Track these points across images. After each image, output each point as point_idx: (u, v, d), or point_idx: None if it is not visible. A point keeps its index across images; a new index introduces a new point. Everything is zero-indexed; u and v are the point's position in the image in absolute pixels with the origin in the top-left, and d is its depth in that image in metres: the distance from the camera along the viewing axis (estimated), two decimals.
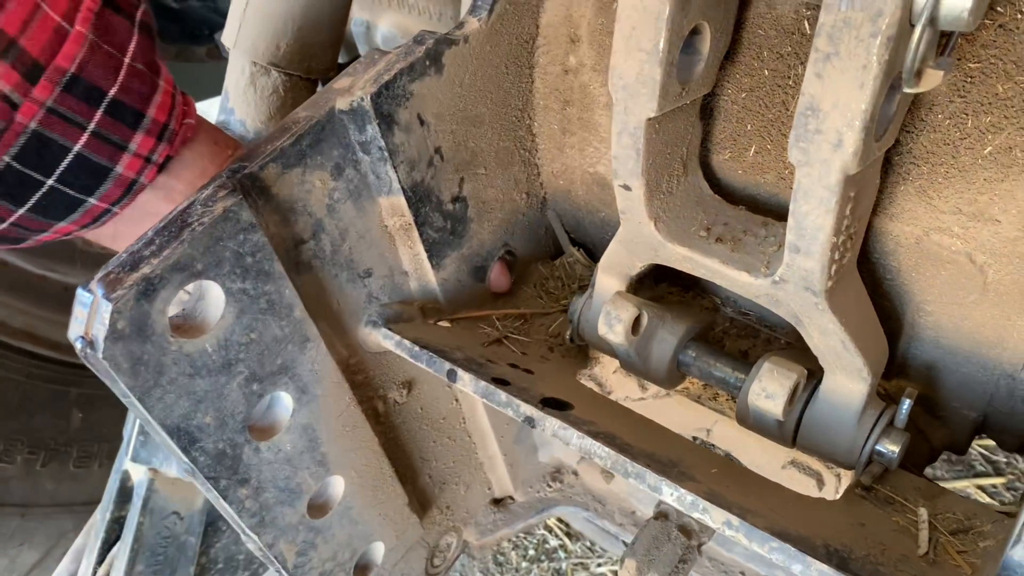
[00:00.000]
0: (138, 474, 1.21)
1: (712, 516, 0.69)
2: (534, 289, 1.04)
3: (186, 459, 0.73)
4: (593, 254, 1.06)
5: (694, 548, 0.92)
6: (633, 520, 1.22)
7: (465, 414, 1.10)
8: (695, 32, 0.69)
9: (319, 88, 1.08)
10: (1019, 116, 0.65)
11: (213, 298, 0.70)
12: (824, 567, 0.65)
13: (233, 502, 0.79)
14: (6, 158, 0.63)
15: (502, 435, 1.15)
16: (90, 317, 0.63)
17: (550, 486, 1.27)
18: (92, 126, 0.66)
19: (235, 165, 0.70)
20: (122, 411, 1.88)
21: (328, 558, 0.94)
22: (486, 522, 1.25)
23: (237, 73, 1.02)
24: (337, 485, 0.92)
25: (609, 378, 0.97)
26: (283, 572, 0.89)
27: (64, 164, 0.66)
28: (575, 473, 1.27)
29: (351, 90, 0.75)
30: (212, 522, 1.33)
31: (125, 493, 1.25)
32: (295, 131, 0.73)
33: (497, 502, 1.28)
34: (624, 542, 1.41)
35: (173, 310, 0.67)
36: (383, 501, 1.00)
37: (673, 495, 0.71)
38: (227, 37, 1.02)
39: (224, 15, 1.84)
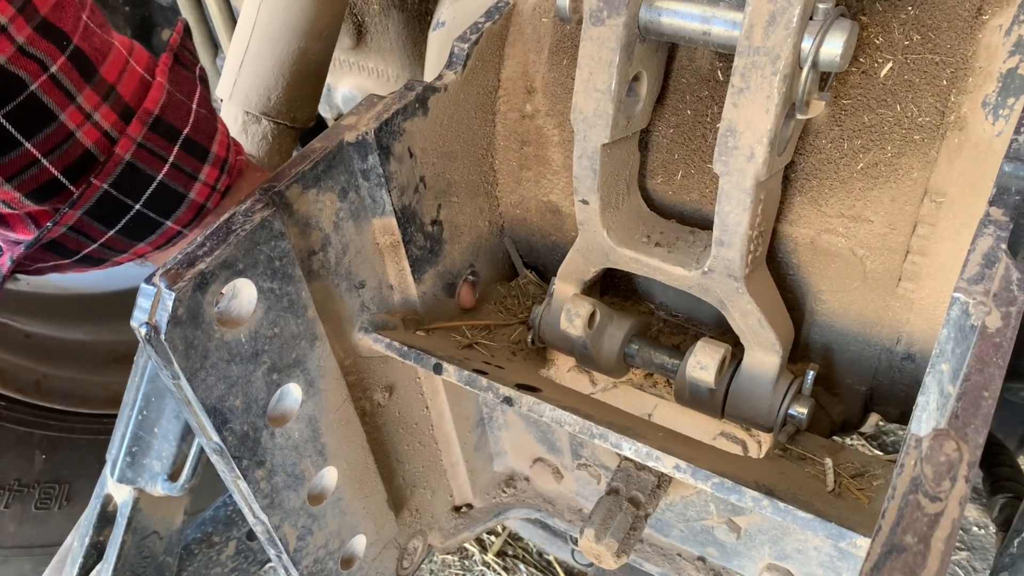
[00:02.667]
0: (122, 495, 1.29)
1: (664, 462, 0.85)
2: (494, 306, 1.20)
3: (217, 437, 0.85)
4: (543, 276, 1.23)
5: (642, 517, 1.07)
6: (580, 516, 1.36)
7: (434, 421, 1.24)
8: (636, 79, 0.88)
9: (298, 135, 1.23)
10: (881, 139, 0.86)
11: (247, 295, 0.84)
12: (756, 494, 0.82)
13: (251, 482, 0.91)
14: (105, 185, 0.77)
15: (464, 442, 1.28)
16: (154, 306, 0.76)
17: (504, 492, 1.41)
18: (172, 159, 0.80)
19: (266, 184, 0.85)
20: (83, 453, 1.92)
21: (321, 545, 1.06)
22: (448, 527, 1.38)
23: (230, 121, 1.16)
24: (331, 476, 1.04)
25: (564, 376, 1.13)
26: (285, 554, 1.00)
27: (150, 191, 0.80)
28: (527, 479, 1.41)
29: (357, 126, 0.91)
30: (187, 545, 1.41)
31: (106, 517, 1.32)
32: (313, 158, 0.88)
33: (457, 509, 1.40)
34: (573, 538, 1.55)
35: (218, 303, 0.80)
36: (367, 496, 1.12)
37: (631, 449, 0.87)
38: (221, 90, 1.16)
39: None
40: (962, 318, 0.66)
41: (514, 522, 1.50)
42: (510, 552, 2.51)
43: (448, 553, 2.41)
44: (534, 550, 2.49)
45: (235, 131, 1.15)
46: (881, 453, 2.51)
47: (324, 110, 1.58)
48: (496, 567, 2.46)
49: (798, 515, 0.79)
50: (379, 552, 1.21)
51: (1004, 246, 0.69)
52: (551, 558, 2.43)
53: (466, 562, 2.48)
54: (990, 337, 0.63)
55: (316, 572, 1.06)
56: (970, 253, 0.69)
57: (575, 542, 1.61)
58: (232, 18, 1.61)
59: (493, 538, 2.53)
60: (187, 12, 1.67)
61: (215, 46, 1.73)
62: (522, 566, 2.44)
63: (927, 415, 0.73)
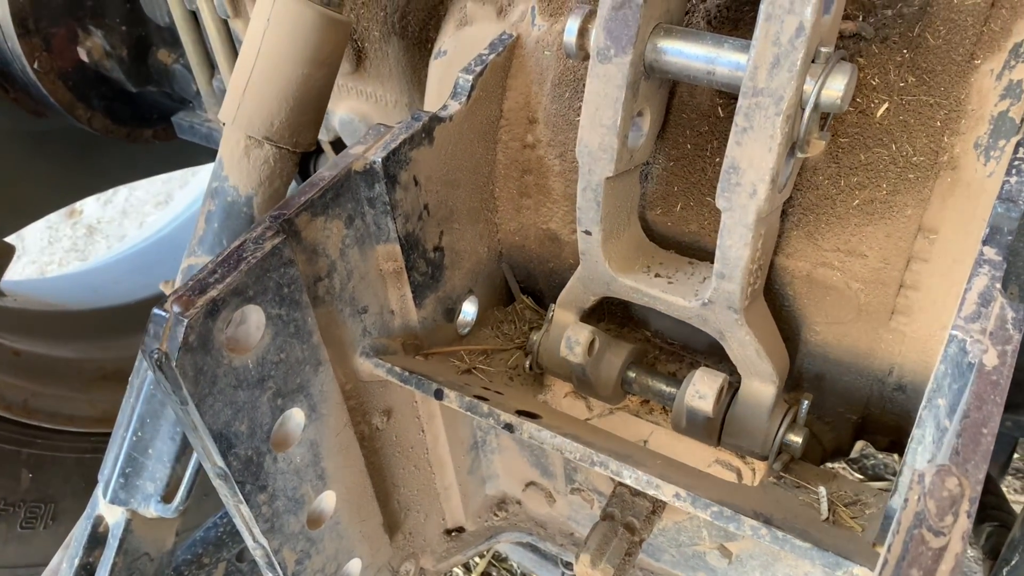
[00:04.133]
0: (115, 516, 1.28)
1: (664, 491, 0.87)
2: (491, 330, 1.21)
3: (222, 462, 0.86)
4: (540, 302, 1.24)
5: (637, 543, 1.09)
6: (572, 541, 1.37)
7: (429, 445, 1.25)
8: (639, 114, 0.90)
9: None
10: (876, 177, 0.88)
11: (256, 322, 0.85)
12: (755, 523, 0.83)
13: (253, 506, 0.91)
14: None
15: (458, 465, 1.29)
16: (165, 332, 0.76)
17: (497, 515, 1.41)
18: None
19: (276, 212, 0.86)
20: (70, 472, 1.91)
21: (319, 569, 1.06)
22: (440, 550, 1.38)
23: (233, 144, 1.17)
24: (330, 499, 1.04)
25: (560, 402, 1.15)
26: None
27: None
28: (519, 502, 1.42)
29: (365, 155, 0.92)
30: (176, 567, 1.40)
31: (97, 538, 1.31)
32: (322, 186, 0.89)
33: (449, 532, 1.41)
34: (563, 561, 1.56)
35: (227, 329, 0.81)
36: (364, 519, 1.12)
37: (632, 476, 0.88)
38: (224, 114, 1.17)
39: (176, 101, 1.98)
40: (959, 355, 0.68)
41: (504, 545, 1.51)
42: (494, 574, 2.51)
43: None
44: (518, 572, 2.49)
45: (237, 155, 1.16)
46: (862, 477, 2.54)
47: (321, 133, 1.59)
48: None
49: (796, 544, 0.80)
50: (374, 575, 1.21)
51: (999, 285, 0.71)
52: None
53: None
54: (988, 375, 0.65)
55: None
56: (966, 292, 0.71)
57: (566, 566, 1.62)
58: (230, 39, 1.62)
59: (477, 559, 2.53)
60: (185, 33, 1.68)
61: (212, 67, 1.73)
62: None
63: (923, 448, 0.76)
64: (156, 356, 0.76)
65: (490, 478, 1.39)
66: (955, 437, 0.61)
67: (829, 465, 1.23)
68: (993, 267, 0.73)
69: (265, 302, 0.84)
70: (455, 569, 2.47)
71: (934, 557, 0.53)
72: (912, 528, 0.55)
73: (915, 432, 0.77)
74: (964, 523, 0.55)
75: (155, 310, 0.77)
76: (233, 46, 1.64)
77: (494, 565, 2.51)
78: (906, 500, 0.57)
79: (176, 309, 0.76)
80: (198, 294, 0.78)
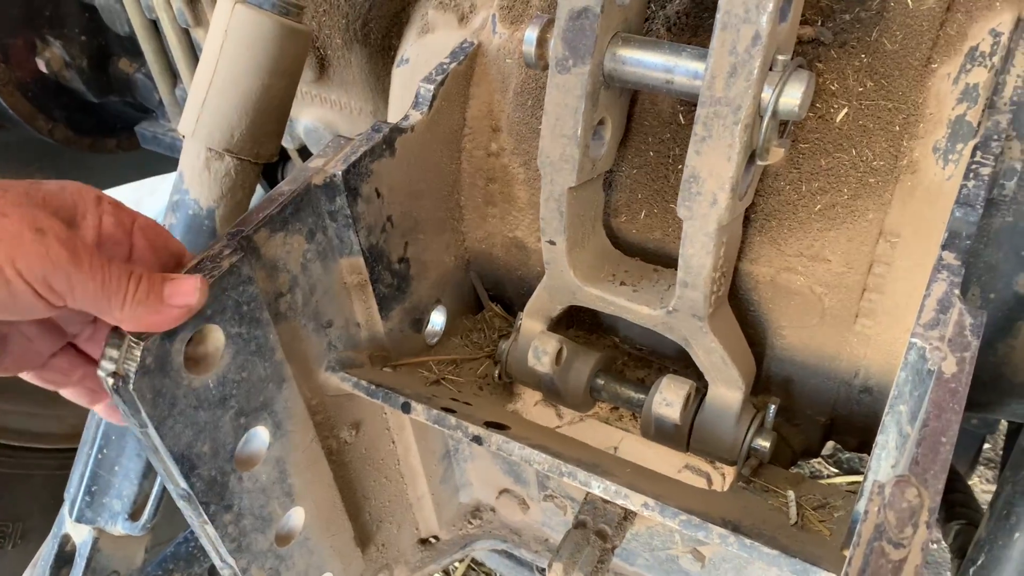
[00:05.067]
0: (81, 535, 1.26)
1: (632, 500, 0.87)
2: (461, 340, 1.21)
3: (185, 484, 0.84)
4: (509, 309, 1.24)
5: (609, 549, 1.08)
6: (547, 547, 1.37)
7: (400, 456, 1.24)
8: (601, 123, 0.90)
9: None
10: (837, 182, 0.88)
11: (215, 341, 0.83)
12: (723, 531, 0.83)
13: (219, 526, 0.90)
14: None
15: (430, 475, 1.28)
16: (122, 355, 0.75)
17: (471, 523, 1.41)
18: None
19: (234, 229, 0.85)
20: (38, 490, 1.88)
21: None
22: (415, 560, 1.37)
23: (193, 157, 1.15)
24: (298, 516, 1.03)
25: (530, 410, 1.14)
26: None
27: None
28: (493, 510, 1.41)
29: (324, 168, 0.91)
30: None
31: (64, 557, 1.29)
32: (281, 201, 0.88)
33: (423, 542, 1.40)
34: (539, 567, 1.56)
35: (185, 350, 0.80)
36: (334, 534, 1.11)
37: (600, 487, 0.88)
38: (184, 127, 1.15)
39: (139, 110, 1.96)
40: (919, 363, 0.68)
41: (479, 552, 1.50)
42: None
43: None
44: (497, 575, 2.48)
45: (198, 167, 1.15)
46: (836, 470, 2.56)
47: (286, 141, 1.57)
48: None
49: (763, 551, 0.80)
50: None
51: (957, 291, 0.72)
52: None
53: None
54: (946, 383, 0.65)
55: None
56: (926, 298, 0.71)
57: (541, 572, 1.62)
58: (191, 48, 1.60)
59: (457, 563, 2.52)
60: (145, 43, 1.65)
61: (174, 76, 1.71)
62: None
63: (887, 453, 0.76)
64: (112, 380, 0.75)
65: (464, 486, 1.38)
66: (915, 447, 0.61)
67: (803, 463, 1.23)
68: (951, 272, 0.73)
69: (224, 321, 0.82)
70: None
71: (894, 569, 0.54)
72: (872, 541, 0.55)
73: (879, 438, 0.77)
74: (924, 534, 0.55)
75: (110, 332, 0.76)
76: (195, 55, 1.62)
77: (473, 569, 2.51)
78: (866, 512, 0.57)
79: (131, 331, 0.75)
80: None
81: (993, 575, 0.90)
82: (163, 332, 0.76)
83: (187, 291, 0.75)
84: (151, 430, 0.78)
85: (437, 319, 1.18)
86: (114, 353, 0.75)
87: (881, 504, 0.57)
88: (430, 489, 1.30)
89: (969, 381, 0.66)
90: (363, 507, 1.20)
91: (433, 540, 1.41)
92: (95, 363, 0.85)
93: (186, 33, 1.61)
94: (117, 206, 0.77)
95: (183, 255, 0.83)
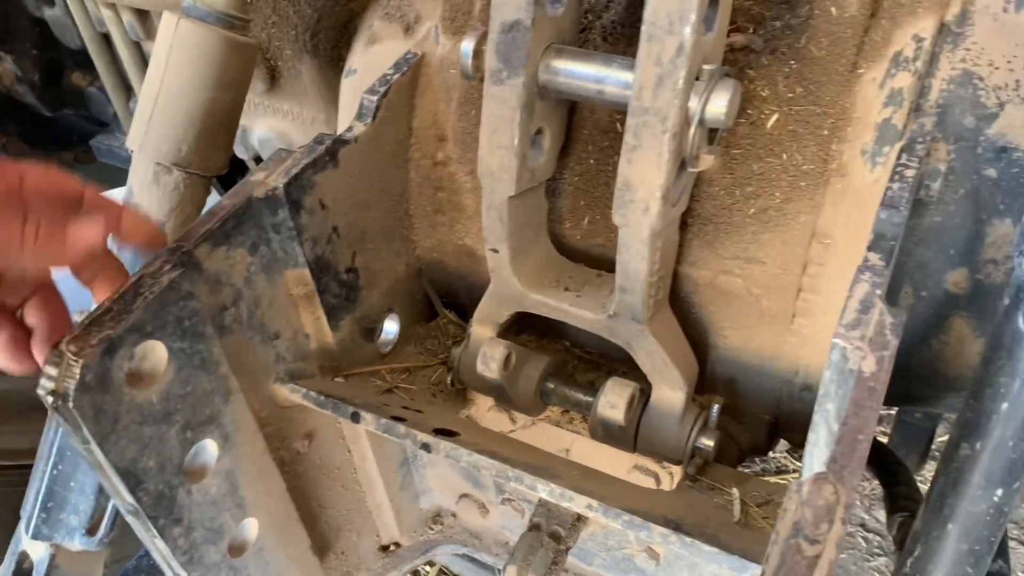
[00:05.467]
0: (38, 552, 1.26)
1: (577, 502, 0.88)
2: (415, 347, 1.22)
3: (132, 499, 0.85)
4: (463, 315, 1.25)
5: (563, 551, 1.10)
6: (507, 550, 1.38)
7: (356, 464, 1.24)
8: (539, 132, 0.91)
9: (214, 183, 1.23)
10: (770, 186, 0.90)
11: (157, 356, 0.84)
12: (664, 530, 0.85)
13: (169, 540, 0.90)
14: None
15: (388, 482, 1.29)
16: (61, 374, 0.75)
17: (432, 528, 1.42)
18: None
19: (175, 245, 0.85)
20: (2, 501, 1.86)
21: None
22: (376, 566, 1.38)
23: (141, 172, 1.16)
24: (252, 527, 1.04)
25: (484, 416, 1.15)
26: None
27: None
28: (453, 515, 1.42)
29: (266, 181, 0.92)
30: None
31: (21, 574, 1.29)
32: (221, 215, 0.89)
33: (384, 549, 1.41)
34: (500, 571, 1.57)
35: (126, 366, 0.80)
36: (290, 543, 1.12)
37: (546, 490, 0.90)
38: (132, 141, 1.16)
39: (94, 123, 1.95)
40: (841, 362, 0.70)
41: (443, 557, 1.52)
42: None
43: None
44: None
45: (146, 182, 1.15)
46: (800, 464, 2.59)
47: (240, 151, 1.58)
48: None
49: (703, 549, 0.82)
50: None
51: (880, 292, 0.74)
52: None
53: None
54: (865, 381, 0.67)
55: None
56: (848, 299, 0.73)
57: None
58: (143, 62, 1.59)
59: (428, 567, 2.53)
60: (97, 56, 1.65)
61: (127, 89, 1.70)
62: None
63: (818, 450, 0.78)
64: (52, 399, 0.75)
65: (424, 492, 1.39)
66: (834, 444, 0.63)
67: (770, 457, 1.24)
68: (875, 273, 0.75)
69: (166, 336, 0.83)
70: None
71: (809, 565, 0.55)
72: (789, 538, 0.57)
73: (810, 436, 0.79)
74: (839, 530, 0.57)
75: (51, 351, 0.76)
76: (146, 68, 1.61)
77: (444, 574, 2.51)
78: (785, 509, 0.59)
79: (71, 349, 0.75)
80: (94, 333, 0.77)
81: (929, 567, 0.92)
82: (103, 349, 0.76)
83: (87, 237, 0.80)
84: (94, 446, 0.79)
85: (390, 327, 1.19)
86: (53, 371, 0.76)
87: (799, 502, 0.59)
88: (389, 496, 1.31)
89: (887, 380, 0.68)
90: (320, 516, 1.21)
91: (394, 547, 1.41)
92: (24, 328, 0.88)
93: (137, 46, 1.60)
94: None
95: (82, 193, 0.86)
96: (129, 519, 0.89)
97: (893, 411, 2.07)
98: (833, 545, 0.56)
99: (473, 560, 1.58)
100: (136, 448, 0.83)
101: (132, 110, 1.77)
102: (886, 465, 1.20)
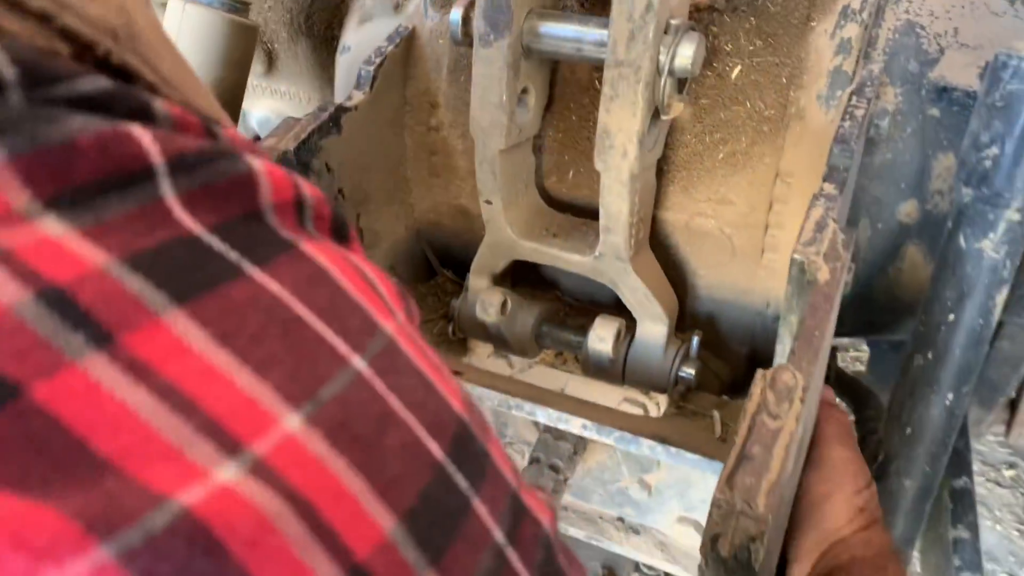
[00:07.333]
0: None
1: (572, 424, 0.98)
2: (416, 305, 1.31)
3: None
4: (460, 273, 1.34)
5: (562, 481, 1.20)
6: None
7: None
8: (524, 91, 1.00)
9: None
10: (736, 132, 1.00)
11: None
12: (651, 442, 0.94)
13: None
14: None
15: None
16: None
17: None
18: None
19: None
20: None
21: None
22: None
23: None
24: None
25: (484, 362, 1.25)
26: None
27: None
28: None
29: (277, 146, 1.01)
30: None
31: None
32: None
33: None
34: None
35: None
36: None
37: (544, 415, 0.99)
38: None
39: None
40: (800, 276, 0.80)
41: None
42: None
43: None
44: None
45: None
46: None
47: (241, 132, 1.66)
48: None
49: (687, 456, 0.92)
50: None
51: (833, 215, 0.83)
52: None
53: None
54: (821, 289, 0.77)
55: None
56: (805, 221, 0.83)
57: None
58: None
59: None
60: None
61: None
62: None
63: (784, 359, 0.88)
64: None
65: None
66: (793, 342, 0.72)
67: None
68: (829, 200, 0.85)
69: None
70: None
71: (772, 436, 0.65)
72: (755, 415, 0.66)
73: (777, 347, 0.89)
74: (798, 407, 0.67)
75: None
76: None
77: None
78: (751, 395, 0.68)
79: None
80: None
81: (891, 468, 1.02)
82: None
83: None
84: None
85: None
86: None
87: (763, 387, 0.68)
88: None
89: (840, 287, 0.78)
90: None
91: None
92: None
93: None
94: None
95: None
96: None
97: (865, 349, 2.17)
98: (793, 419, 0.66)
99: None
100: None
101: None
102: (857, 394, 1.30)
